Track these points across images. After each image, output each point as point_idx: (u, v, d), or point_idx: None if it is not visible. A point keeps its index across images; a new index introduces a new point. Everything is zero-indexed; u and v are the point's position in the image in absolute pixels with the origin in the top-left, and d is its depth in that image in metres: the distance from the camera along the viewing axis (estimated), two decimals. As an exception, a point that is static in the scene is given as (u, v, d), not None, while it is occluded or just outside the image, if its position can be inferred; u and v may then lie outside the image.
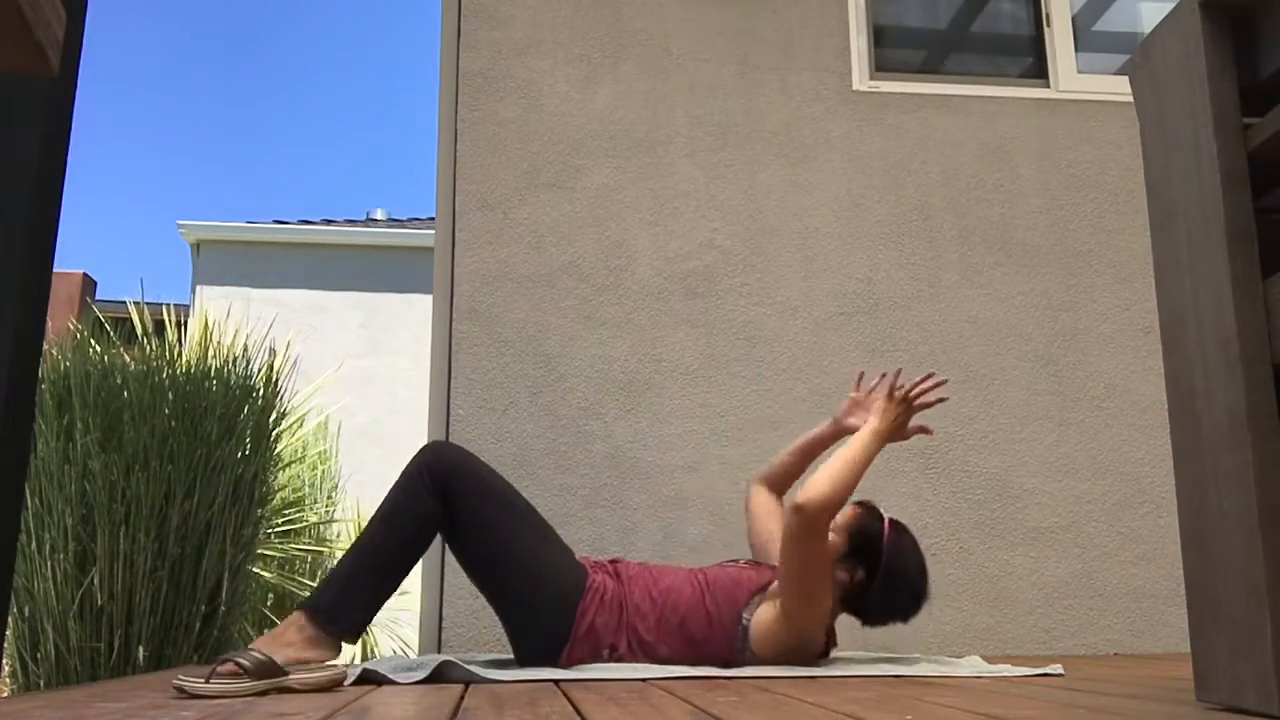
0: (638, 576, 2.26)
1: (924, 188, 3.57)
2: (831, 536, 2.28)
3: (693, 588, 2.24)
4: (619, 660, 2.17)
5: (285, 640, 2.02)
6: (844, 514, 2.29)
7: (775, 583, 2.26)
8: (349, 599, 2.09)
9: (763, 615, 2.20)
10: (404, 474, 2.22)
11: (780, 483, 2.61)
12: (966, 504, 3.32)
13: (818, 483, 2.13)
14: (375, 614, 2.15)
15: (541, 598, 2.18)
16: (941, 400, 2.33)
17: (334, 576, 2.12)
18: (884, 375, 2.39)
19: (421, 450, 2.26)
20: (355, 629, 2.10)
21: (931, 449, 3.34)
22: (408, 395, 10.27)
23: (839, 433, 2.49)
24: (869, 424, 2.26)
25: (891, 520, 2.28)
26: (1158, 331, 1.45)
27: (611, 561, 2.33)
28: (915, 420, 2.31)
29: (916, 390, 2.27)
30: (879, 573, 2.22)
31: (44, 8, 0.76)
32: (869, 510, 2.30)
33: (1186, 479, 1.41)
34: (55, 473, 3.04)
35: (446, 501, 2.19)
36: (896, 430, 2.28)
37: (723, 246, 3.44)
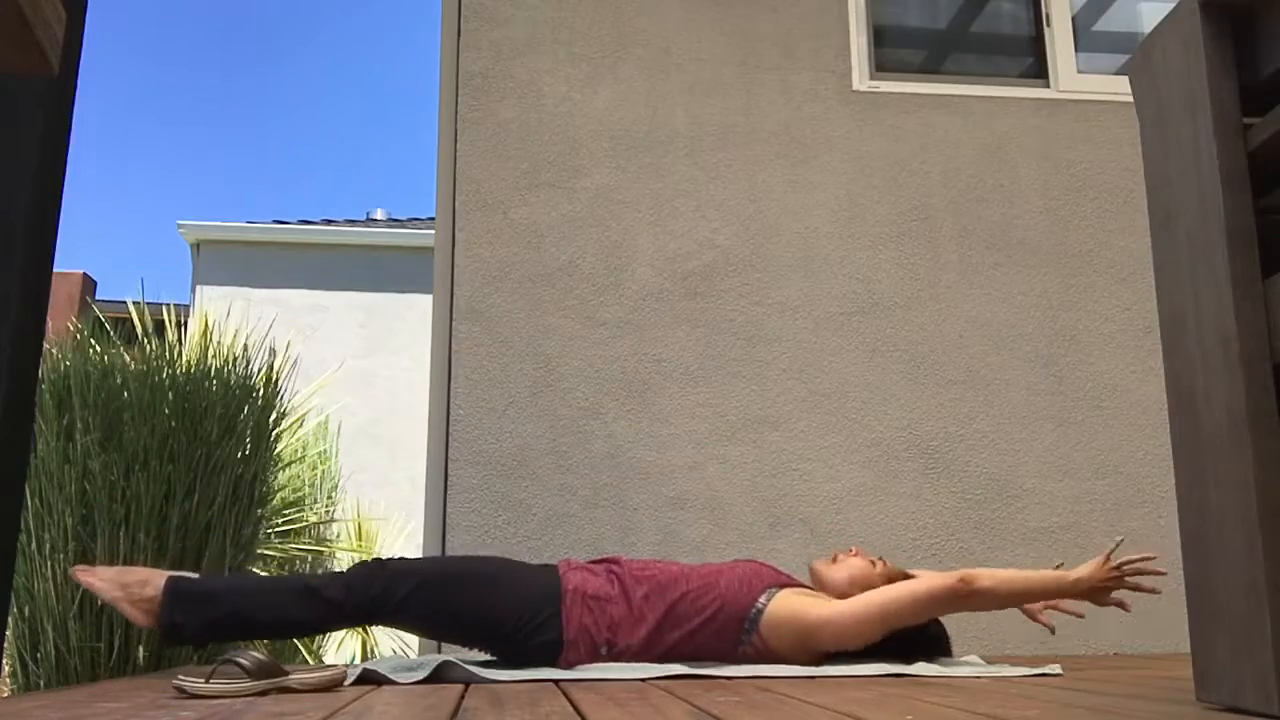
0: (644, 569, 2.27)
1: (924, 188, 3.57)
2: (875, 574, 2.30)
3: (702, 574, 2.26)
4: (618, 656, 2.17)
5: (127, 579, 2.07)
6: (893, 572, 2.33)
7: (805, 589, 2.29)
8: (204, 617, 2.08)
9: (789, 600, 2.20)
10: (345, 577, 2.18)
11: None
12: (966, 504, 3.32)
13: (990, 573, 2.20)
14: (201, 637, 2.13)
15: (519, 631, 2.17)
16: (1153, 591, 2.26)
17: (214, 594, 2.11)
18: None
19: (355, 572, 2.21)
20: (176, 632, 2.09)
21: (931, 449, 3.34)
22: (408, 395, 10.26)
23: (1028, 597, 2.36)
24: (1074, 572, 2.24)
25: None
26: (1158, 331, 1.45)
27: (606, 560, 2.34)
28: (1120, 594, 2.28)
29: (1131, 566, 2.25)
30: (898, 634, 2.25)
31: (44, 8, 0.76)
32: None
33: (1186, 479, 1.41)
34: (55, 473, 3.04)
35: (384, 603, 2.15)
36: (1095, 593, 2.25)
37: (723, 246, 3.44)
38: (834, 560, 2.37)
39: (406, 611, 2.15)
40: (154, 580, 2.09)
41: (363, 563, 2.22)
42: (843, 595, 2.25)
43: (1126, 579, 2.24)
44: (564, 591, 2.19)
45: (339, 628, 2.30)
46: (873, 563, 2.34)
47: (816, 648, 2.22)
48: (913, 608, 2.17)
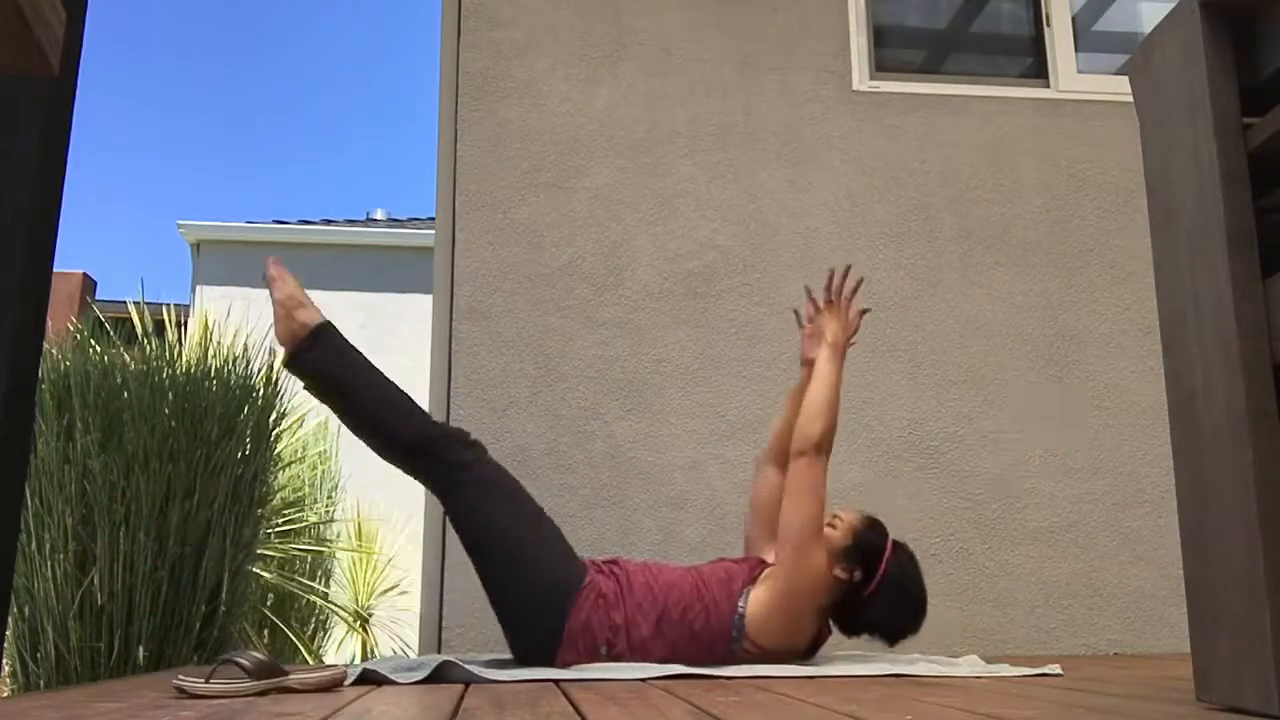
0: (638, 573, 2.27)
1: (924, 188, 3.57)
2: (834, 531, 2.30)
3: (689, 583, 2.26)
4: (617, 658, 2.17)
5: (301, 298, 2.28)
6: (851, 516, 2.33)
7: (766, 570, 2.29)
8: (328, 364, 2.26)
9: (757, 597, 2.22)
10: (451, 428, 2.37)
11: (785, 449, 2.61)
12: (966, 504, 3.32)
13: (806, 422, 2.28)
14: (325, 364, 2.27)
15: (533, 588, 2.19)
16: (860, 280, 2.46)
17: (347, 357, 2.28)
18: (810, 295, 2.53)
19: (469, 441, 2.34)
20: (299, 359, 2.26)
21: (931, 449, 3.34)
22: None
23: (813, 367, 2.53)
24: (823, 346, 2.39)
25: (896, 540, 2.32)
26: (1158, 331, 1.45)
27: (610, 561, 2.34)
28: (853, 313, 2.45)
29: (836, 290, 2.43)
30: (876, 581, 2.24)
31: (44, 8, 0.76)
32: (876, 523, 2.36)
33: (1186, 479, 1.41)
34: (55, 473, 3.04)
35: (455, 471, 2.26)
36: (844, 332, 2.42)
37: (723, 246, 3.44)
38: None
39: (466, 493, 2.25)
40: (315, 317, 2.29)
41: (467, 433, 2.33)
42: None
43: (844, 302, 2.44)
44: (584, 586, 2.20)
45: (407, 462, 2.31)
46: (831, 525, 2.36)
47: (805, 607, 2.22)
48: (811, 503, 2.23)
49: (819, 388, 2.32)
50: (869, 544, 2.28)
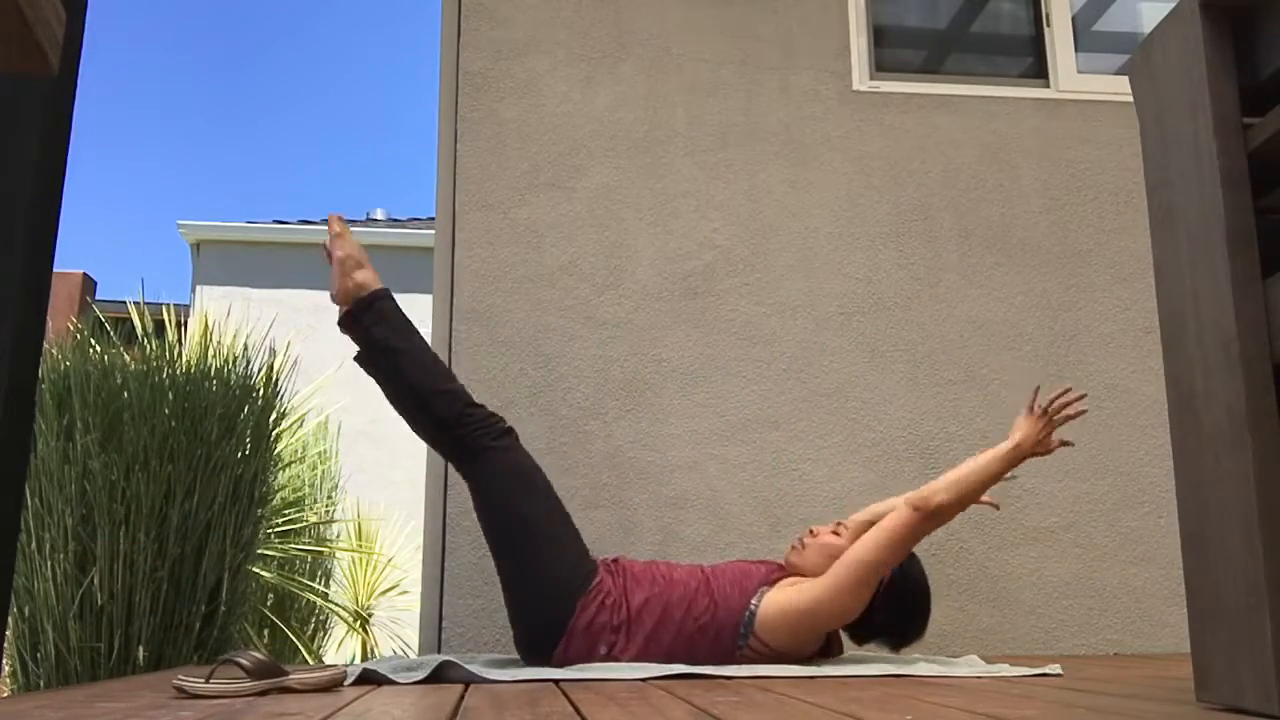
0: (643, 573, 2.28)
1: (924, 188, 3.57)
2: (837, 539, 2.30)
3: (697, 579, 2.26)
4: (616, 659, 2.17)
5: (360, 259, 2.34)
6: (858, 527, 2.33)
7: (793, 577, 2.29)
8: (379, 333, 2.31)
9: (773, 598, 2.21)
10: (489, 412, 2.37)
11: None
12: (966, 504, 3.31)
13: (940, 485, 2.20)
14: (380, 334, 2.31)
15: (542, 582, 2.20)
16: (1081, 413, 2.32)
17: (398, 326, 2.33)
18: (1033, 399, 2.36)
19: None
20: (352, 321, 2.33)
21: (932, 449, 3.34)
22: (408, 395, 10.21)
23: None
24: (1009, 439, 2.28)
25: None
26: (1158, 331, 1.44)
27: (613, 561, 2.34)
28: (1057, 434, 2.32)
29: (1056, 405, 2.29)
30: (883, 588, 2.25)
31: (44, 8, 0.76)
32: None
33: (1186, 479, 1.41)
34: (55, 473, 3.04)
35: (486, 455, 2.28)
36: (1038, 446, 2.29)
37: (723, 246, 3.44)
38: (802, 546, 2.37)
39: (494, 479, 2.28)
40: (375, 280, 2.35)
41: (503, 419, 2.37)
42: (822, 572, 2.26)
43: (1055, 419, 2.29)
44: (594, 585, 2.21)
45: (441, 440, 2.36)
46: (835, 532, 2.36)
47: (820, 630, 2.22)
48: (889, 553, 2.19)
49: (972, 469, 2.24)
50: None
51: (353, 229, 13.06)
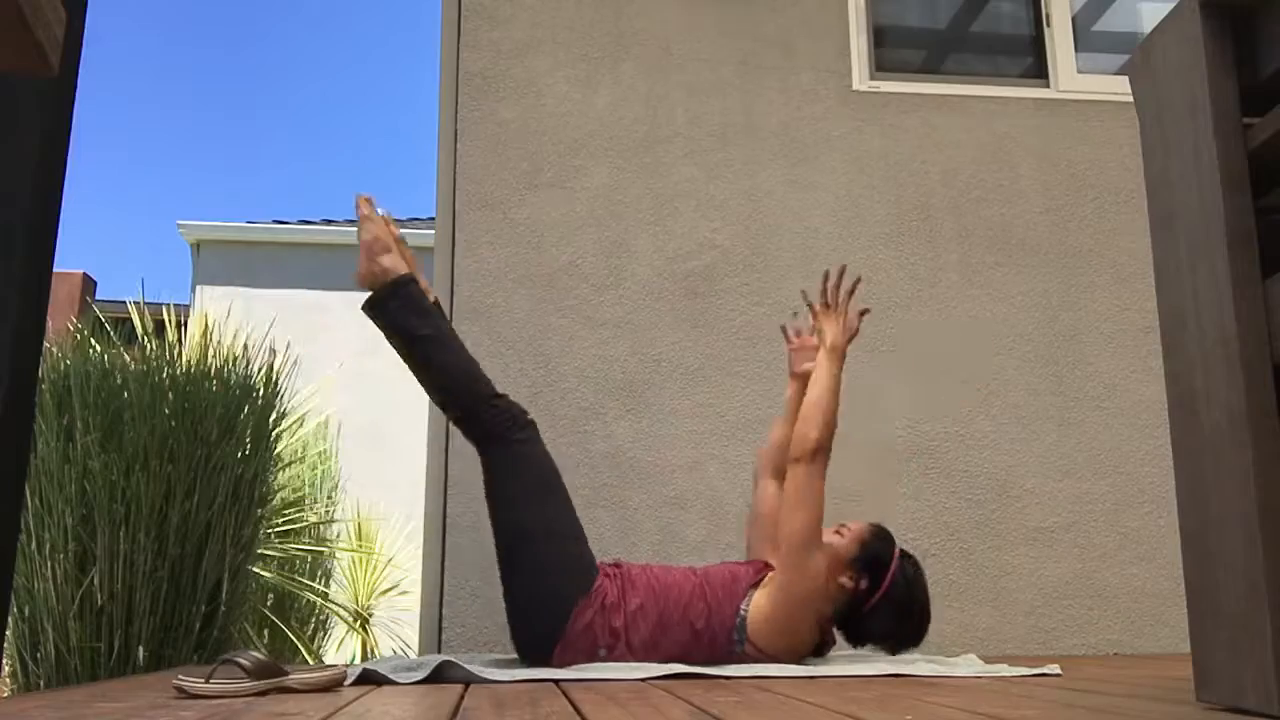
0: (640, 576, 2.28)
1: (924, 188, 3.57)
2: (840, 539, 2.30)
3: (692, 584, 2.26)
4: (614, 661, 2.17)
5: (386, 240, 2.33)
6: (859, 525, 2.33)
7: (769, 574, 2.28)
8: (403, 319, 2.30)
9: (758, 600, 2.22)
10: (512, 402, 2.39)
11: (783, 461, 2.61)
12: (966, 504, 3.32)
13: (805, 426, 2.25)
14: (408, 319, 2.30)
15: (541, 581, 2.20)
16: (857, 280, 2.44)
17: (424, 311, 2.32)
18: (808, 301, 2.50)
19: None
20: (378, 305, 2.32)
21: (931, 449, 3.34)
22: (408, 395, 10.23)
23: (804, 380, 2.52)
24: (821, 349, 2.36)
25: (903, 550, 2.32)
26: (1158, 331, 1.44)
27: (613, 564, 2.34)
28: (851, 313, 2.43)
29: (834, 295, 2.40)
30: (881, 591, 2.25)
31: (44, 8, 0.76)
32: (884, 533, 2.36)
33: (1186, 479, 1.41)
34: (55, 473, 3.04)
35: (504, 445, 2.30)
36: (843, 335, 2.39)
37: (723, 246, 3.44)
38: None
39: (508, 469, 2.29)
40: (400, 265, 2.32)
41: (525, 412, 2.38)
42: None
43: (844, 303, 2.40)
44: (593, 589, 2.21)
45: (461, 425, 2.36)
46: (838, 533, 2.38)
47: (807, 616, 2.21)
48: (809, 509, 2.21)
49: (817, 392, 2.30)
50: (876, 553, 2.28)
51: (353, 229, 12.90)
